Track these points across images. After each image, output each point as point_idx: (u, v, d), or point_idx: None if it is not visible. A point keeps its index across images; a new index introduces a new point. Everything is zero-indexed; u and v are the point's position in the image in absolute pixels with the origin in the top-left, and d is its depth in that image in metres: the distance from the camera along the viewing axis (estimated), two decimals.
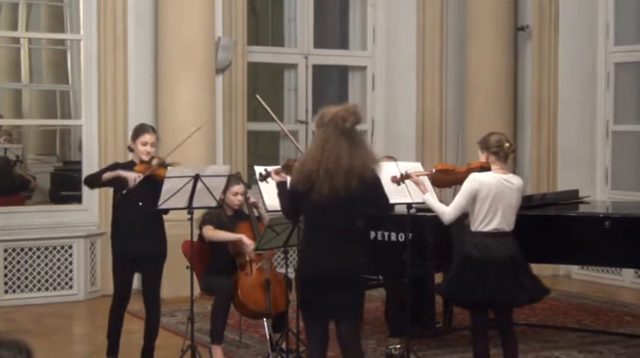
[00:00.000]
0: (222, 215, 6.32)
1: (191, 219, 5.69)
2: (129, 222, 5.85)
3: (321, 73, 10.47)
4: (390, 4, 10.45)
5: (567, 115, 9.93)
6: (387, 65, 10.45)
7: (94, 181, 6.00)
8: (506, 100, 10.10)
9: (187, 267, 5.95)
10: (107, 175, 5.86)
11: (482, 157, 5.41)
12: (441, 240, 6.34)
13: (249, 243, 6.14)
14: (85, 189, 8.70)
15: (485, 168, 5.38)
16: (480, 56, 10.01)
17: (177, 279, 7.00)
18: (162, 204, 5.60)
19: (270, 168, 5.21)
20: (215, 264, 6.38)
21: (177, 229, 6.44)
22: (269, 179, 5.29)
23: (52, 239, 8.55)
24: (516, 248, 5.34)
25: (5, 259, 8.36)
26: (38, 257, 8.49)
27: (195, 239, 6.01)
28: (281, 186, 4.89)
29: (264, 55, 10.09)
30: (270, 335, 6.19)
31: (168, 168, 5.70)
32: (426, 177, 5.68)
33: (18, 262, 8.41)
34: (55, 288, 8.53)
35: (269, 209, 5.84)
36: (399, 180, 5.66)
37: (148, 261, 5.91)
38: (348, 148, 4.49)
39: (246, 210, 6.46)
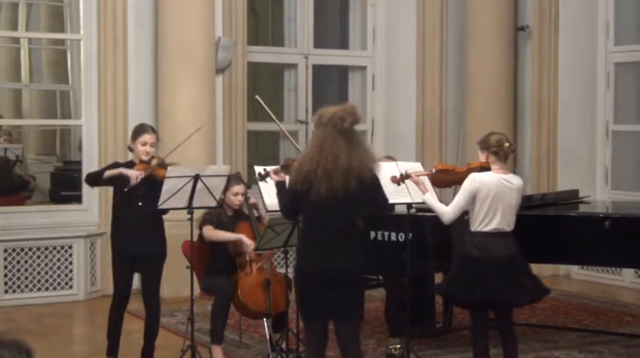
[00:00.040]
0: (222, 215, 6.31)
1: (191, 219, 5.69)
2: (129, 221, 5.85)
3: (321, 73, 10.46)
4: (390, 4, 10.44)
5: (567, 115, 9.93)
6: (387, 65, 10.44)
7: (95, 179, 6.00)
8: (506, 100, 10.10)
9: (187, 267, 5.95)
10: (109, 173, 5.86)
11: (482, 157, 5.41)
12: (441, 240, 6.34)
13: (249, 243, 6.14)
14: (85, 189, 8.71)
15: (485, 168, 5.38)
16: (479, 56, 10.01)
17: (177, 279, 7.01)
18: (162, 204, 5.60)
19: (269, 168, 5.21)
20: (215, 264, 6.38)
21: (177, 229, 6.45)
22: (268, 179, 5.30)
23: (52, 239, 8.55)
24: (516, 248, 5.33)
25: (5, 259, 8.36)
26: (38, 257, 8.49)
27: (195, 239, 6.00)
28: (280, 185, 4.89)
29: (264, 55, 10.08)
30: (270, 335, 6.19)
31: (168, 168, 5.70)
32: (425, 177, 5.68)
33: (18, 262, 8.41)
34: (55, 288, 8.53)
35: (269, 209, 5.84)
36: (399, 180, 5.66)
37: (147, 260, 5.90)
38: (347, 148, 4.48)
39: (246, 210, 6.46)
